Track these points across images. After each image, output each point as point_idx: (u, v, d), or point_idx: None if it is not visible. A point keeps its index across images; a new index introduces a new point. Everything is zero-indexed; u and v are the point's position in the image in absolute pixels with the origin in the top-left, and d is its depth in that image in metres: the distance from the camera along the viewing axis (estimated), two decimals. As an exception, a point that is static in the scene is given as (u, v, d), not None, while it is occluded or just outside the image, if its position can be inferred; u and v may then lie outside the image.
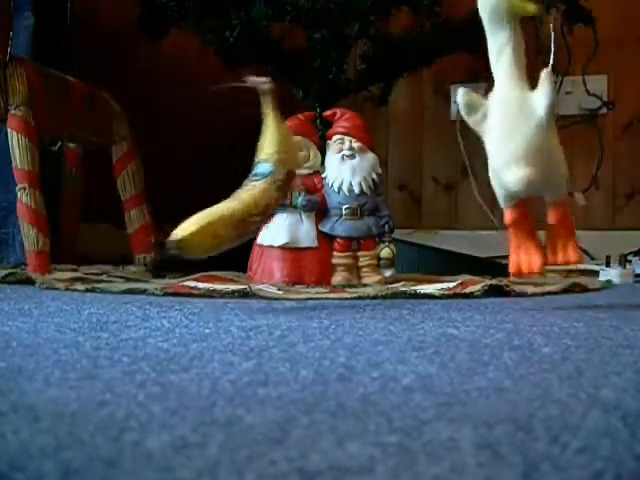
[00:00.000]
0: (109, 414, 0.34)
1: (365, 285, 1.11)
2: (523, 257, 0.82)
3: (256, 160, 0.86)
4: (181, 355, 0.51)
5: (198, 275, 1.12)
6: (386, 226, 1.14)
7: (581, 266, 1.62)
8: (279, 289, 1.01)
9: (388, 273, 1.13)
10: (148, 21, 1.52)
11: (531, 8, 0.77)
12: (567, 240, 0.81)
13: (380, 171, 1.16)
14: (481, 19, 0.79)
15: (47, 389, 0.40)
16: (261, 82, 0.88)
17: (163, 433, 0.31)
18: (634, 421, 0.34)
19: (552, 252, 0.81)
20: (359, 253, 1.14)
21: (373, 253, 1.14)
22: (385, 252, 1.13)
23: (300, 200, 1.12)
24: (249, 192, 0.84)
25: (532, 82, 0.78)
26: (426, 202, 2.16)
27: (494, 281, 1.04)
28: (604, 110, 1.91)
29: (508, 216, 0.81)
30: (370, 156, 1.15)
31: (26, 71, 1.26)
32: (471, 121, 0.81)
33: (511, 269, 0.83)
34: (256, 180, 0.84)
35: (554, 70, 1.55)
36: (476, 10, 0.78)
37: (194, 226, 0.79)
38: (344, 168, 1.13)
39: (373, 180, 1.14)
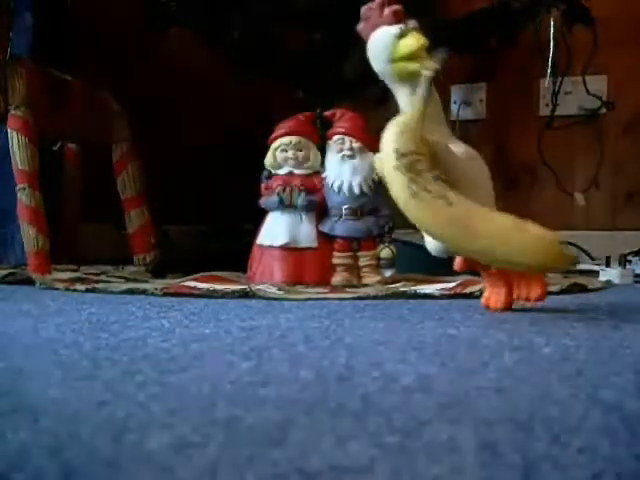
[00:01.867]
0: (109, 414, 0.34)
1: (365, 285, 1.11)
2: (493, 295, 0.81)
3: (428, 155, 0.70)
4: (181, 355, 0.51)
5: (198, 275, 1.12)
6: (386, 226, 1.14)
7: (581, 266, 1.62)
8: (279, 289, 1.01)
9: (388, 273, 1.13)
10: (148, 21, 1.52)
11: (412, 67, 0.72)
12: (529, 276, 0.77)
13: (380, 171, 1.16)
14: (481, 19, 0.78)
15: (47, 389, 0.40)
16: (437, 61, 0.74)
17: (163, 433, 0.31)
18: (634, 421, 0.34)
19: (517, 287, 0.79)
20: (359, 253, 1.14)
21: (373, 253, 1.14)
22: (385, 252, 1.13)
23: (300, 200, 1.12)
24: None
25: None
26: (426, 202, 2.15)
27: (494, 281, 1.04)
28: (604, 110, 1.91)
29: (456, 264, 0.80)
30: (370, 156, 1.15)
31: (26, 71, 1.26)
32: None
33: (482, 303, 0.83)
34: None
35: (554, 70, 1.55)
36: (476, 10, 0.78)
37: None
38: (344, 168, 1.13)
39: (373, 180, 1.14)
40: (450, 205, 0.67)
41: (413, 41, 0.72)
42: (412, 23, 0.73)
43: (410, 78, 0.73)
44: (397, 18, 0.73)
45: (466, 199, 0.68)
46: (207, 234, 1.86)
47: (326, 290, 1.05)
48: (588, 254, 1.97)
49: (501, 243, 0.67)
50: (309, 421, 0.33)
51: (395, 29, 0.72)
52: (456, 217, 0.67)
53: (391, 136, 0.70)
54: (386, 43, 0.73)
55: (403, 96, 0.74)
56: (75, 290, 1.03)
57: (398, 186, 0.69)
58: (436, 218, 0.68)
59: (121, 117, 1.52)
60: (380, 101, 1.71)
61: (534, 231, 0.66)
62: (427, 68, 0.71)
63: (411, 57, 0.72)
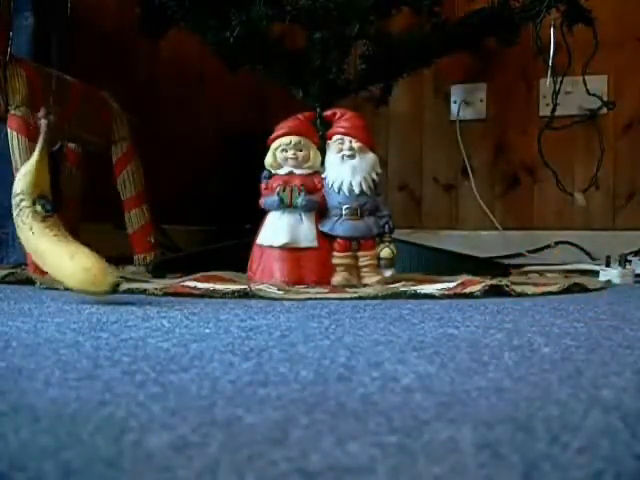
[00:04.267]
0: (109, 414, 0.34)
1: (365, 285, 1.11)
2: None
3: (33, 195, 0.93)
4: (181, 355, 0.51)
5: (198, 275, 1.12)
6: (386, 226, 1.14)
7: (581, 266, 1.62)
8: (279, 289, 1.01)
9: (388, 273, 1.13)
10: (148, 21, 1.52)
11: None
12: None
13: (380, 171, 1.16)
14: (481, 19, 0.78)
15: (47, 389, 0.40)
16: (42, 117, 0.99)
17: (163, 433, 0.31)
18: (634, 421, 0.34)
19: None
20: (359, 253, 1.14)
21: (373, 253, 1.13)
22: (385, 252, 1.13)
23: (300, 200, 1.12)
24: (58, 231, 0.93)
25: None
26: (426, 202, 2.16)
27: (494, 281, 1.04)
28: (604, 110, 1.91)
29: None
30: (370, 156, 1.15)
31: (26, 71, 1.26)
32: None
33: None
34: (50, 216, 0.94)
35: (554, 70, 1.55)
36: (476, 10, 0.78)
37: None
38: (344, 168, 1.13)
39: (373, 180, 1.14)
40: (33, 235, 0.91)
41: None
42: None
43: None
44: None
45: (51, 233, 0.91)
46: (207, 234, 1.86)
47: (326, 290, 1.05)
48: (588, 254, 1.97)
49: (58, 271, 0.88)
50: (309, 421, 0.33)
51: None
52: (37, 247, 0.91)
53: (18, 176, 0.95)
54: None
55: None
56: (75, 290, 1.03)
57: (15, 216, 0.94)
58: (27, 244, 0.92)
59: (121, 117, 1.52)
60: (380, 101, 1.71)
61: (80, 262, 0.85)
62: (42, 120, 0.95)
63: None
